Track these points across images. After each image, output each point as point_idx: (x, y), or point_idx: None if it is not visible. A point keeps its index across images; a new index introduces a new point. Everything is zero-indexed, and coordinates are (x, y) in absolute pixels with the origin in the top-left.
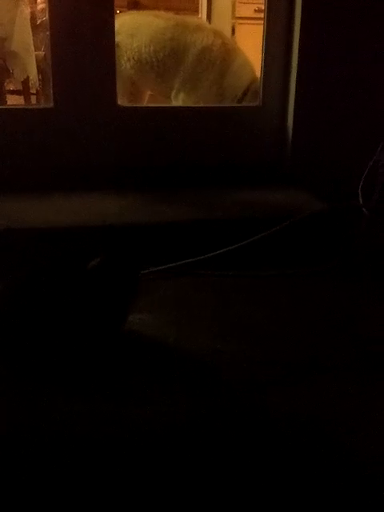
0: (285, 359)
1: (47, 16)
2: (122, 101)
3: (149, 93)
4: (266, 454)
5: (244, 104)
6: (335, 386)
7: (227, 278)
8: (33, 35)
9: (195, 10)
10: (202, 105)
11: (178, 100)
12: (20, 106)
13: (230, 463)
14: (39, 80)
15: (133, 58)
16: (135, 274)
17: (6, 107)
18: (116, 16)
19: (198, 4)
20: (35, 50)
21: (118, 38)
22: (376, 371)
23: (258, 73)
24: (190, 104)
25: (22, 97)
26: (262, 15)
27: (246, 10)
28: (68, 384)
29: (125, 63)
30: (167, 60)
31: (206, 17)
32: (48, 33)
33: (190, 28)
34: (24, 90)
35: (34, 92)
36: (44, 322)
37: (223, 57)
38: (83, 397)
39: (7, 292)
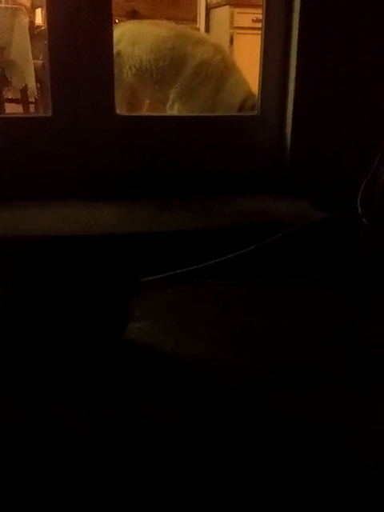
0: (283, 367)
1: (45, 25)
2: (120, 110)
3: (147, 102)
4: (265, 461)
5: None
6: (334, 393)
7: (225, 286)
8: (31, 44)
9: (193, 20)
10: (200, 114)
11: (173, 111)
12: (18, 115)
13: (229, 470)
14: (38, 89)
15: (134, 66)
16: (135, 282)
17: (5, 116)
18: (118, 25)
19: (196, 14)
20: (34, 59)
21: (119, 47)
22: (374, 378)
23: (255, 86)
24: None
25: (21, 105)
26: (260, 25)
27: (245, 20)
28: (67, 390)
29: (126, 71)
30: (166, 69)
31: (204, 27)
32: (46, 42)
33: (192, 40)
34: (22, 99)
35: (33, 101)
36: (44, 330)
37: (220, 72)
38: (81, 403)
39: (8, 299)
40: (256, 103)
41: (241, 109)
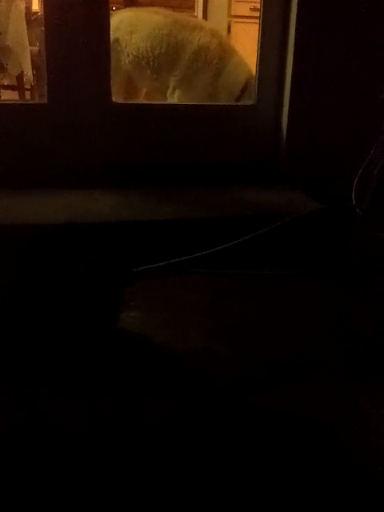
0: (277, 359)
1: (42, 11)
2: (117, 98)
3: (145, 91)
4: (259, 456)
5: (241, 102)
6: (328, 385)
7: (220, 276)
8: (27, 30)
9: (191, 8)
10: (196, 102)
11: (174, 98)
12: (14, 102)
13: (223, 466)
14: (34, 75)
15: (131, 53)
16: (128, 271)
17: (0, 102)
18: (116, 12)
19: (194, 2)
20: (30, 46)
21: (117, 34)
22: (369, 370)
23: (254, 72)
24: (185, 102)
25: (17, 92)
26: (257, 14)
27: (242, 9)
28: (59, 382)
29: (124, 59)
30: (163, 56)
31: (201, 15)
32: (43, 28)
33: (189, 26)
34: (18, 86)
35: (29, 87)
36: (36, 321)
37: (219, 56)
38: (74, 395)
39: (1, 291)
40: None
41: (244, 90)
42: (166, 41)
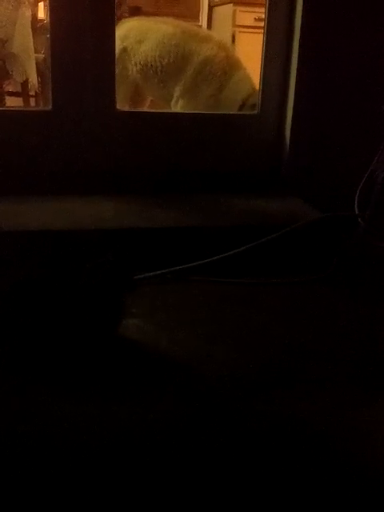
0: (278, 366)
1: (48, 19)
2: (122, 106)
3: (150, 99)
4: (259, 459)
5: (243, 112)
6: (330, 392)
7: (221, 284)
8: (33, 38)
9: (196, 18)
10: (200, 112)
11: (178, 108)
12: (19, 108)
13: (224, 468)
14: (38, 82)
15: (139, 62)
16: (129, 279)
17: (5, 109)
18: (125, 21)
19: (198, 11)
20: (35, 53)
21: (126, 43)
22: (370, 377)
23: (257, 84)
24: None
25: (21, 99)
26: (262, 24)
27: (247, 19)
28: (60, 386)
29: (132, 67)
30: (170, 66)
31: (206, 24)
32: (48, 36)
33: (197, 38)
34: (23, 92)
35: (33, 94)
36: (38, 326)
37: (224, 70)
38: (74, 399)
39: (1, 295)
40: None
41: (242, 106)
42: (175, 51)
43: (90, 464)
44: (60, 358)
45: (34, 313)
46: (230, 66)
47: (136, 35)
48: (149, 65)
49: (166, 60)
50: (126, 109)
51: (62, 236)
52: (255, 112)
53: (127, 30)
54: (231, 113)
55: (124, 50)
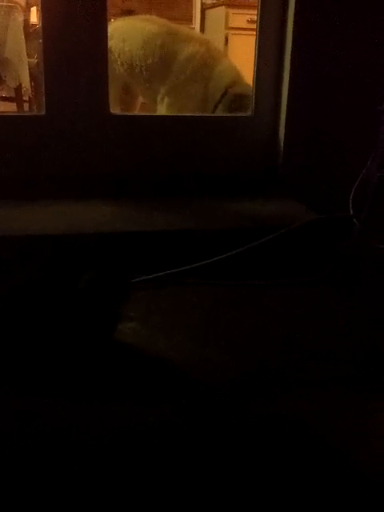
0: (275, 367)
1: (40, 24)
2: (113, 107)
3: (140, 101)
4: (258, 462)
5: (236, 114)
6: (327, 394)
7: (218, 287)
8: (26, 42)
9: (189, 20)
10: (194, 114)
11: (163, 105)
12: (12, 113)
13: (221, 471)
14: (32, 87)
15: (126, 62)
16: (126, 282)
17: None
18: (111, 22)
19: (191, 14)
20: (28, 58)
21: (110, 43)
22: (368, 378)
23: (246, 78)
24: (175, 108)
25: (15, 104)
26: (254, 26)
27: (239, 21)
28: (58, 391)
29: (118, 67)
30: (155, 66)
31: (199, 27)
32: (41, 40)
33: (181, 37)
34: (16, 97)
35: (27, 99)
36: (35, 331)
37: (205, 63)
38: (72, 404)
39: (1, 299)
40: (243, 92)
41: (224, 94)
42: (159, 52)
43: (89, 464)
44: (57, 361)
45: (33, 316)
46: (213, 59)
47: (120, 35)
48: (134, 64)
49: (150, 60)
50: (118, 110)
51: (60, 240)
52: (249, 113)
53: (112, 30)
54: (225, 115)
55: (109, 50)
